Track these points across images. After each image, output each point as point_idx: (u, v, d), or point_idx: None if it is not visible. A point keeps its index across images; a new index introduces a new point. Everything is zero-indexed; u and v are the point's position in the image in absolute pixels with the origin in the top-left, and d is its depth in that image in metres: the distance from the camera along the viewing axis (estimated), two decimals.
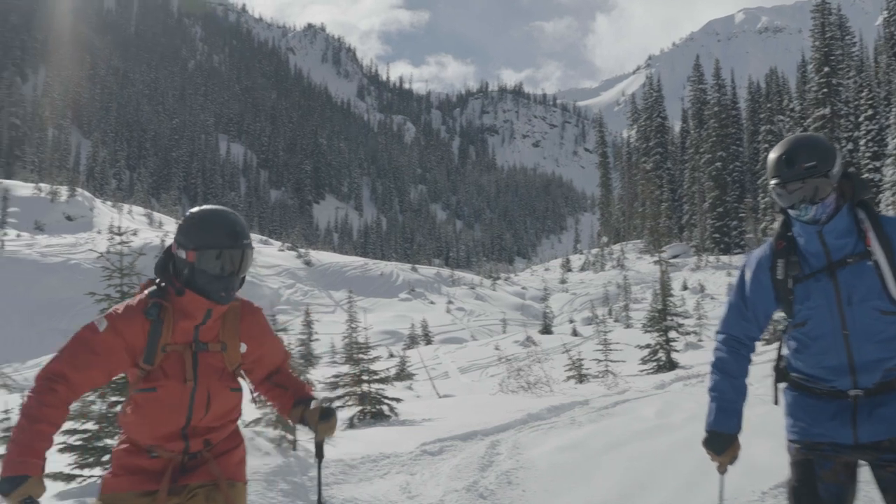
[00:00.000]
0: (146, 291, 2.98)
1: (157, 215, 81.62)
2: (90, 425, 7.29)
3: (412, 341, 44.00)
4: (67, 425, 7.74)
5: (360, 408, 12.19)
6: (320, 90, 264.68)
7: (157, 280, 3.02)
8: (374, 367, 12.98)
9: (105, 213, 74.20)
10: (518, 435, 8.86)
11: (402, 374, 22.90)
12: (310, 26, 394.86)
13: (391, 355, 31.34)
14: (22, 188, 72.83)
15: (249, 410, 10.32)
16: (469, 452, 7.96)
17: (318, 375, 18.03)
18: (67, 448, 7.20)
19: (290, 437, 7.45)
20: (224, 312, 3.07)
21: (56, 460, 7.50)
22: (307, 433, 9.11)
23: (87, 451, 7.16)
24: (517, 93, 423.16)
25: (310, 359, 33.01)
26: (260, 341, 3.19)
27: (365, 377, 12.45)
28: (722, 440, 3.13)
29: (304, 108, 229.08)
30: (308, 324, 40.94)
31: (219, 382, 3.00)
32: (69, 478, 7.14)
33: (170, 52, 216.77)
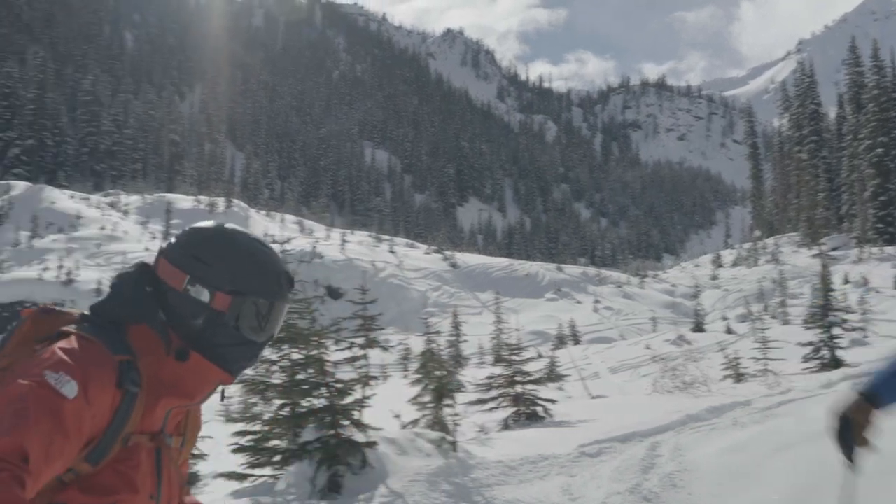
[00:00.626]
0: (90, 339, 1.70)
1: (307, 222, 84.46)
2: (259, 426, 7.62)
3: (560, 342, 43.70)
4: (238, 427, 8.11)
5: (514, 409, 12.20)
6: (460, 93, 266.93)
7: (108, 320, 1.79)
8: (527, 368, 12.95)
9: (259, 221, 77.42)
10: (678, 436, 8.63)
11: (552, 375, 22.76)
12: (448, 31, 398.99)
13: (539, 356, 31.18)
14: (183, 201, 76.95)
15: (408, 411, 10.51)
16: (629, 454, 7.81)
17: (469, 376, 18.22)
18: (239, 448, 7.55)
19: (449, 438, 7.54)
20: None
21: (229, 460, 7.88)
22: (466, 434, 9.19)
23: (258, 452, 7.48)
24: (660, 86, 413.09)
25: (459, 360, 33.39)
26: (195, 437, 2.09)
27: (518, 378, 12.44)
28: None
29: (445, 112, 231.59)
30: (456, 325, 41.40)
31: (179, 497, 1.96)
32: (242, 477, 7.48)
33: (315, 65, 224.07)
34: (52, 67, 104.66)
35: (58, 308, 1.82)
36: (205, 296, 1.79)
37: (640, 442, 8.49)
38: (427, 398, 9.52)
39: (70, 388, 1.56)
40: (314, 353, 7.25)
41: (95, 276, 51.17)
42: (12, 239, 59.24)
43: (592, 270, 78.95)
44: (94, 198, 75.05)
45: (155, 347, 1.77)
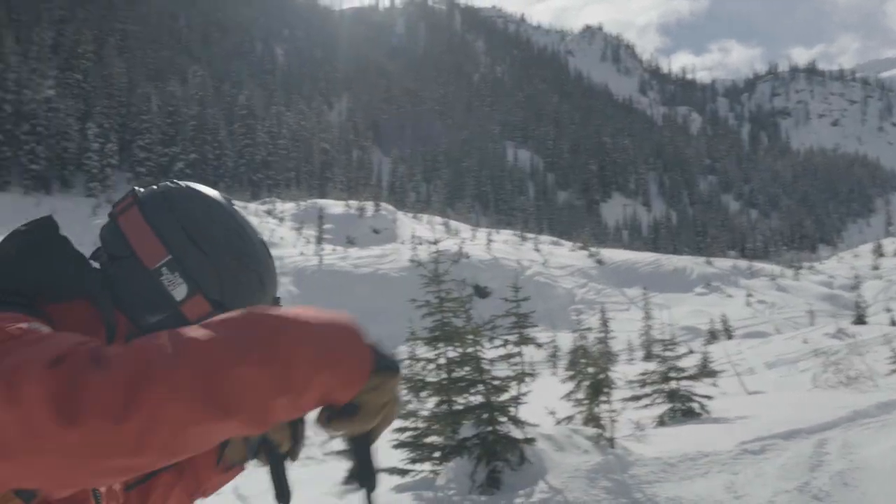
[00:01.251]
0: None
1: (453, 223, 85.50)
2: (419, 423, 7.84)
3: (712, 336, 42.50)
4: (397, 423, 8.37)
5: (669, 405, 12.00)
6: (601, 89, 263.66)
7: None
8: (681, 364, 12.71)
9: (406, 224, 78.94)
10: (846, 433, 8.28)
11: (705, 371, 22.17)
12: (587, 28, 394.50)
13: (690, 351, 30.42)
14: (334, 206, 79.43)
15: (561, 407, 10.52)
16: (794, 452, 7.56)
17: (619, 373, 17.96)
18: (400, 444, 7.79)
19: (606, 434, 7.53)
20: None
21: (390, 455, 8.14)
22: (622, 430, 9.08)
23: (418, 448, 7.70)
24: (810, 71, 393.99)
25: (608, 356, 33.03)
26: None
27: (672, 374, 12.22)
28: None
29: (585, 108, 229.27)
30: (604, 322, 40.98)
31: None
32: (403, 472, 7.72)
33: (455, 68, 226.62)
34: (211, 85, 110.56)
35: None
36: (179, 292, 1.29)
37: (805, 439, 8.19)
38: (581, 394, 9.52)
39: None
40: (470, 350, 7.39)
41: None
42: None
43: (743, 263, 76.24)
44: (252, 206, 78.62)
45: (93, 332, 1.19)
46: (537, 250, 75.11)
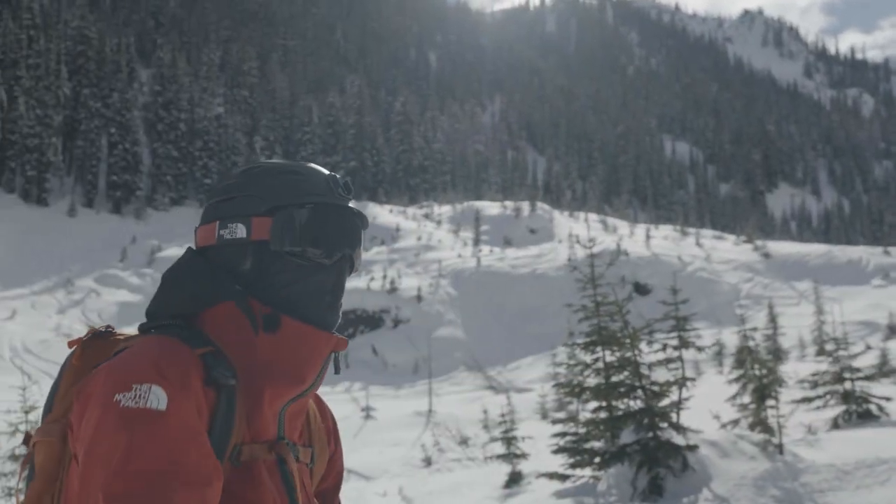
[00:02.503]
0: (157, 337, 1.32)
1: (610, 220, 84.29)
2: (579, 428, 7.82)
3: (892, 332, 39.95)
4: (557, 429, 8.36)
5: (843, 407, 11.41)
6: (763, 75, 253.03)
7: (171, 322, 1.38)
8: (856, 363, 12.04)
9: (563, 223, 78.46)
10: None
11: (885, 369, 20.88)
12: (746, 12, 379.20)
13: (868, 348, 28.76)
14: (490, 207, 80.00)
15: (725, 410, 10.22)
16: None
17: (790, 371, 17.23)
18: (560, 449, 7.80)
19: (774, 440, 7.25)
20: None
21: (550, 460, 8.16)
22: (791, 434, 8.74)
23: (577, 453, 7.69)
24: None
25: (778, 354, 31.65)
26: (336, 449, 1.66)
27: (847, 374, 11.60)
28: None
29: (746, 96, 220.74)
30: (772, 318, 39.32)
31: None
32: (563, 477, 7.73)
33: (608, 62, 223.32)
34: (368, 93, 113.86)
35: (113, 330, 1.44)
36: (241, 230, 1.40)
37: None
38: (747, 398, 9.21)
39: (156, 397, 1.14)
40: (628, 355, 7.31)
41: (415, 284, 54.76)
42: None
43: None
44: (410, 210, 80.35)
45: (240, 329, 1.35)
46: (699, 245, 72.97)
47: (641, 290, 55.41)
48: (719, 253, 69.44)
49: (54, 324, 46.91)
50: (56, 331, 45.06)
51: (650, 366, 7.54)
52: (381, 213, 75.78)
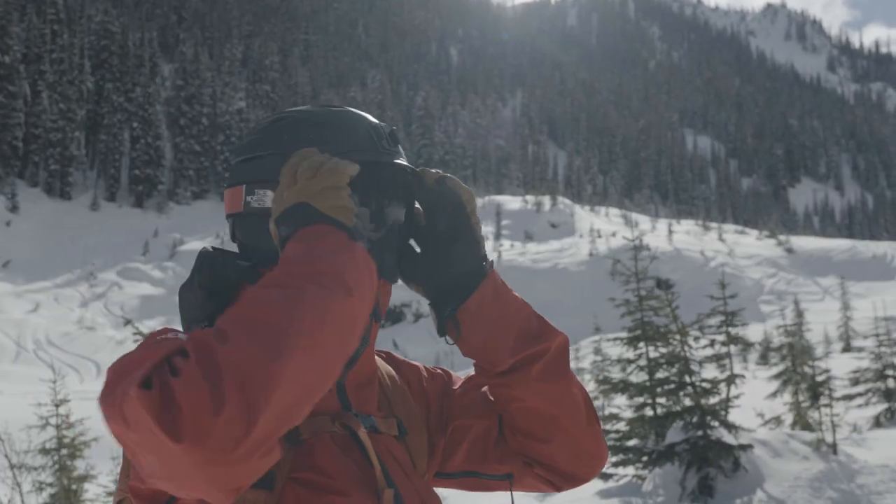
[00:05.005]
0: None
1: (632, 215, 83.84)
2: (621, 426, 7.61)
3: None
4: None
5: (886, 405, 11.12)
6: (786, 69, 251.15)
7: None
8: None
9: (584, 217, 78.09)
10: None
11: None
12: (769, 6, 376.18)
13: (881, 345, 28.31)
14: (511, 202, 79.76)
15: (766, 407, 9.97)
16: None
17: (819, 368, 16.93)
18: None
19: (827, 440, 7.01)
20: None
21: None
22: (844, 435, 8.37)
23: (621, 451, 7.47)
24: None
25: (808, 352, 31.27)
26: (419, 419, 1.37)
27: (890, 372, 11.31)
28: None
29: (769, 90, 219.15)
30: (799, 313, 38.81)
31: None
32: (606, 476, 7.52)
33: (630, 56, 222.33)
34: (389, 87, 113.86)
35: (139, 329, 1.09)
36: (269, 199, 1.19)
37: None
38: (790, 395, 8.96)
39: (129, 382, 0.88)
40: (677, 351, 7.09)
41: None
42: None
43: None
44: None
45: None
46: (721, 240, 72.47)
47: (663, 285, 55.01)
48: (742, 248, 69.03)
49: (77, 316, 47.12)
50: (79, 323, 45.28)
51: (700, 362, 7.33)
52: None
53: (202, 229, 65.23)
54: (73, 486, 8.75)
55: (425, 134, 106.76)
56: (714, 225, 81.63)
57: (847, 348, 32.04)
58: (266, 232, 1.15)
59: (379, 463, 1.15)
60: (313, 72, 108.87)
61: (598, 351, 23.75)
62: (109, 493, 8.46)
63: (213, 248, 1.24)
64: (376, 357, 1.34)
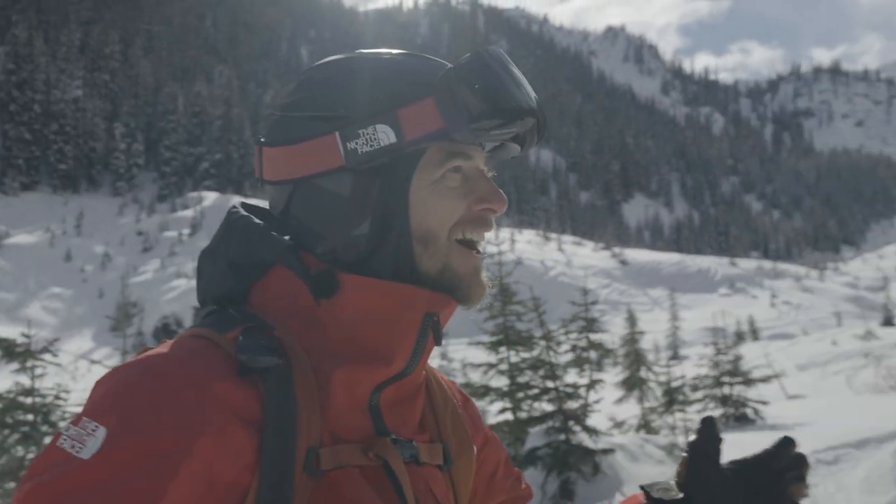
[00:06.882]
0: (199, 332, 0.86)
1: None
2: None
3: (738, 338, 42.06)
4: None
5: (721, 411, 11.75)
6: (624, 90, 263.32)
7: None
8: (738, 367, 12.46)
9: None
10: None
11: (737, 372, 21.80)
12: (609, 28, 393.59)
13: (718, 353, 29.98)
14: None
15: (617, 411, 10.31)
16: (873, 462, 7.29)
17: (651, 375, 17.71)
18: None
19: (681, 444, 7.30)
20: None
21: None
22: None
23: None
24: (834, 71, 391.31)
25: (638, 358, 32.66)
26: (483, 436, 1.15)
27: (726, 379, 11.96)
28: None
29: (608, 109, 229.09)
30: (632, 322, 40.54)
31: None
32: None
33: None
34: (237, 85, 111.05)
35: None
36: (387, 134, 0.88)
37: (878, 448, 7.92)
38: (637, 400, 9.30)
39: (92, 444, 0.72)
40: (542, 356, 7.20)
41: None
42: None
43: (768, 264, 75.94)
44: None
45: (297, 298, 0.90)
46: (561, 250, 74.96)
47: (507, 293, 56.25)
48: (579, 258, 71.55)
49: None
50: None
51: (565, 367, 7.48)
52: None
53: (31, 222, 61.37)
54: None
55: None
56: (554, 235, 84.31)
57: (675, 356, 33.55)
58: (383, 187, 0.90)
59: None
60: (156, 63, 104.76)
61: (444, 355, 23.95)
62: None
63: (244, 205, 1.00)
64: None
